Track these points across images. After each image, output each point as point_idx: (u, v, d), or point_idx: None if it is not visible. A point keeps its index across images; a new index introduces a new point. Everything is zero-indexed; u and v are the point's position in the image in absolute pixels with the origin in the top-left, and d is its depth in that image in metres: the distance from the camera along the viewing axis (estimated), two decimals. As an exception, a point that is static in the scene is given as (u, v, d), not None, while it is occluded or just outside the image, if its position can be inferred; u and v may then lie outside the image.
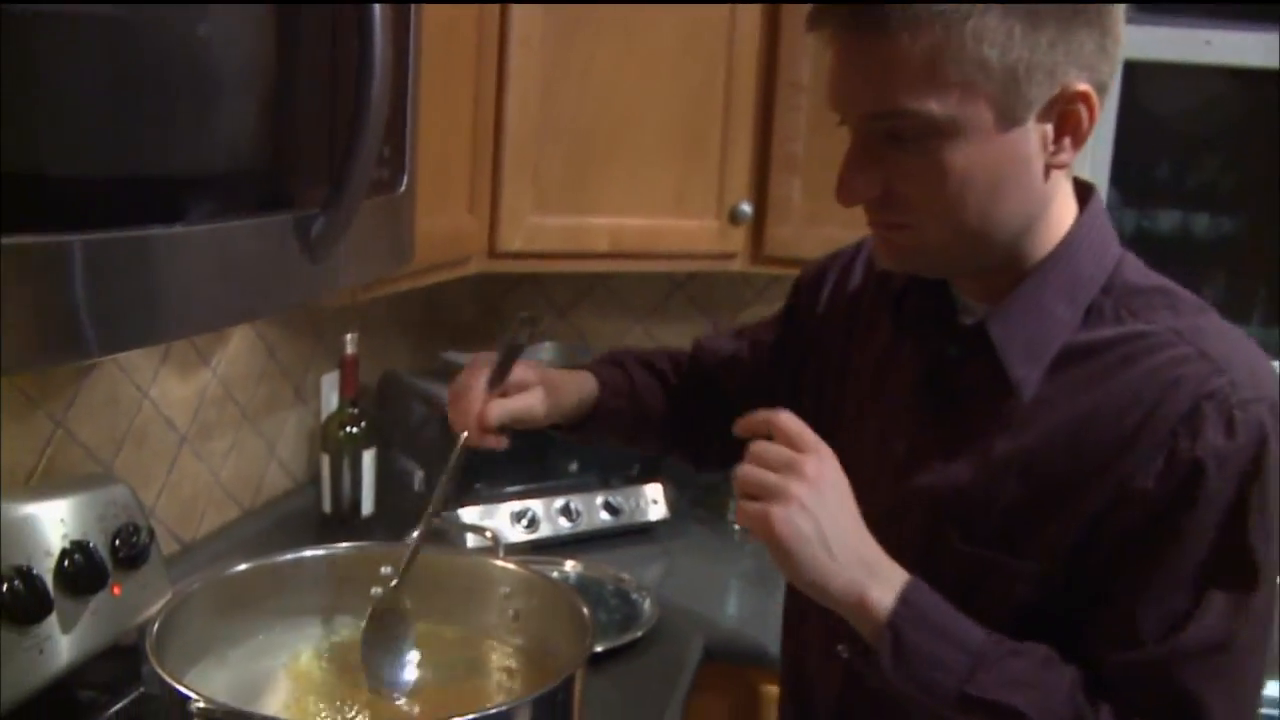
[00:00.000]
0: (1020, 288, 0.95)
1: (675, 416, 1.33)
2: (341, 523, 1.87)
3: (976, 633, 0.91)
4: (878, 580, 0.90)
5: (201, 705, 0.79)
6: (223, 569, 1.08)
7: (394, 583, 1.06)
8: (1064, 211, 0.97)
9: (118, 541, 1.25)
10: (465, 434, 1.07)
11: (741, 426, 0.94)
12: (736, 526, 2.22)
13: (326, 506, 1.87)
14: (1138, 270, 0.99)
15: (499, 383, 1.09)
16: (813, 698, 1.14)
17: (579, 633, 1.01)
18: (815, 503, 0.88)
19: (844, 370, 1.15)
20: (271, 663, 1.06)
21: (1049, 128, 0.89)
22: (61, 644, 1.16)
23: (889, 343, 1.09)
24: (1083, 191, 0.99)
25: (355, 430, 1.86)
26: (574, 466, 2.07)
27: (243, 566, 1.08)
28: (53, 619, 1.14)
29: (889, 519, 0.96)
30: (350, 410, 1.86)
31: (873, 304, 1.14)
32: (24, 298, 0.61)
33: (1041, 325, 0.95)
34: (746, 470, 0.90)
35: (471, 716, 0.84)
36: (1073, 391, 0.93)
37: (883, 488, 1.02)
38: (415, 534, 1.07)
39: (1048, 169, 0.91)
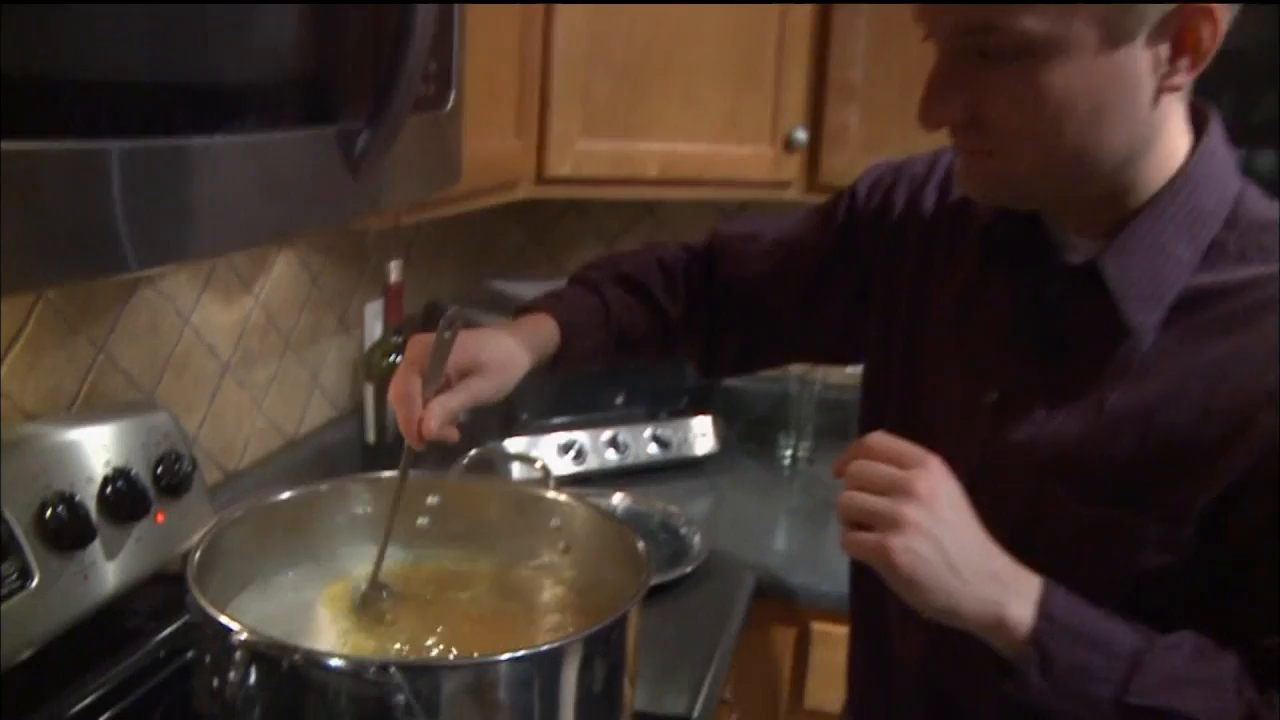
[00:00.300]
0: (1136, 223, 0.87)
1: (673, 329, 1.24)
2: (385, 453, 1.84)
3: (1124, 633, 0.83)
4: (1012, 594, 0.82)
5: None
6: (265, 497, 1.05)
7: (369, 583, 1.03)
8: (1177, 139, 0.88)
9: (160, 469, 1.23)
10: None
11: (836, 468, 0.86)
12: (785, 460, 2.19)
13: (370, 436, 1.85)
14: (1262, 202, 0.90)
15: (436, 380, 1.01)
16: (890, 657, 1.08)
17: (634, 568, 0.97)
18: (933, 524, 0.80)
19: (918, 304, 1.07)
20: (314, 593, 1.03)
21: (1163, 47, 0.80)
22: (106, 571, 1.14)
23: (973, 278, 1.01)
24: (1198, 116, 0.90)
25: (399, 359, 1.82)
26: (620, 399, 2.03)
27: (286, 494, 1.05)
28: (96, 546, 1.13)
29: (981, 476, 0.88)
30: (394, 339, 1.83)
31: (951, 232, 1.05)
32: (62, 207, 0.59)
33: (1161, 265, 0.86)
34: (851, 498, 0.82)
35: (523, 652, 0.81)
36: (1197, 339, 0.86)
37: (970, 441, 0.95)
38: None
39: (1159, 92, 0.82)
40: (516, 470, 1.81)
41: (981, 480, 0.87)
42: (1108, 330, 0.88)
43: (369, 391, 1.82)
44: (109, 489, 1.15)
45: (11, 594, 1.03)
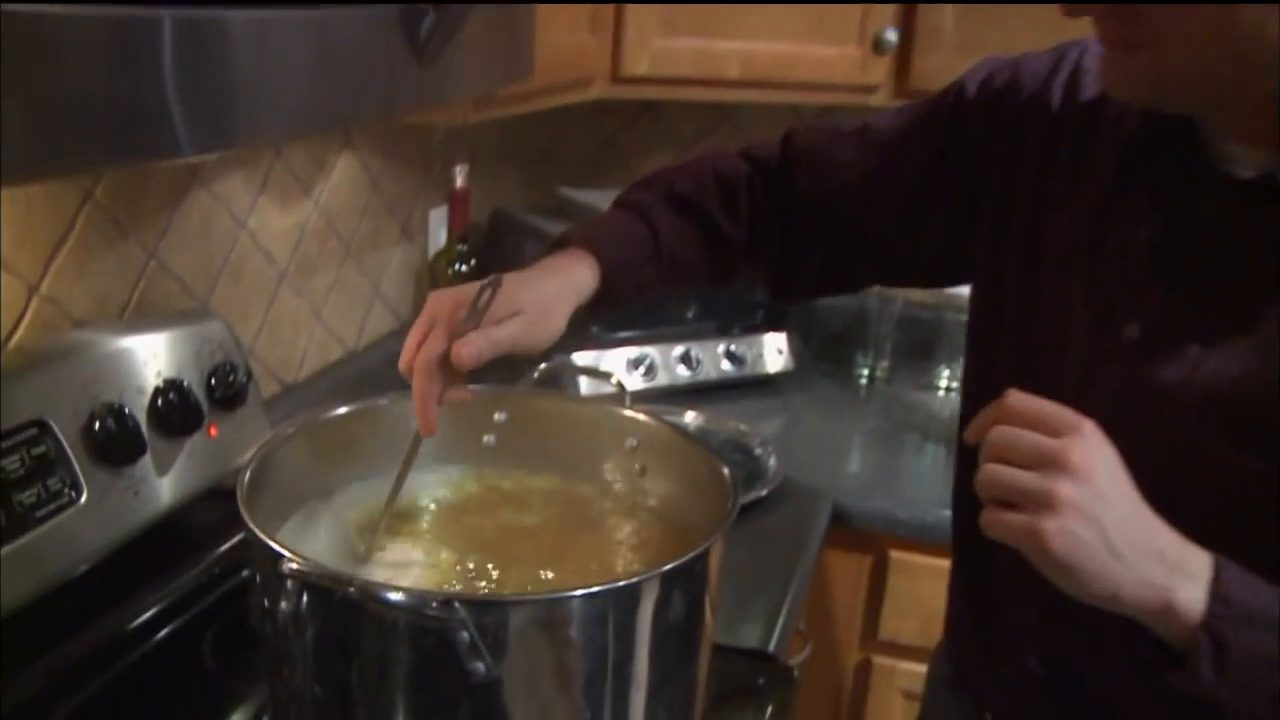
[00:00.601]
0: None
1: (733, 253, 1.10)
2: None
3: None
4: (1180, 575, 0.71)
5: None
6: (322, 412, 0.98)
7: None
8: None
9: (214, 380, 1.18)
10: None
11: (973, 432, 0.75)
12: (862, 380, 2.10)
13: (434, 348, 1.79)
14: None
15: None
16: (998, 609, 0.99)
17: (717, 495, 0.89)
18: (1092, 502, 0.69)
19: (1038, 222, 0.94)
20: (372, 515, 0.97)
21: None
22: (158, 486, 1.09)
23: (1108, 193, 0.88)
24: None
25: (464, 269, 1.75)
26: (692, 312, 1.94)
27: (343, 410, 0.98)
28: (147, 460, 1.07)
29: (1117, 424, 0.74)
30: (459, 248, 1.76)
31: (1080, 140, 0.92)
32: (113, 80, 0.54)
33: None
34: (995, 473, 0.71)
35: (598, 588, 0.74)
36: None
37: (1106, 380, 0.84)
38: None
39: None
40: (587, 385, 1.74)
41: (1117, 428, 0.74)
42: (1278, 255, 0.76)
43: None
44: (160, 401, 1.10)
45: (61, 509, 0.98)
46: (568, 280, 0.98)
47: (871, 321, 2.12)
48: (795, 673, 1.18)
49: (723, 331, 1.96)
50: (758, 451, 1.69)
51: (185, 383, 1.13)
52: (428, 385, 0.87)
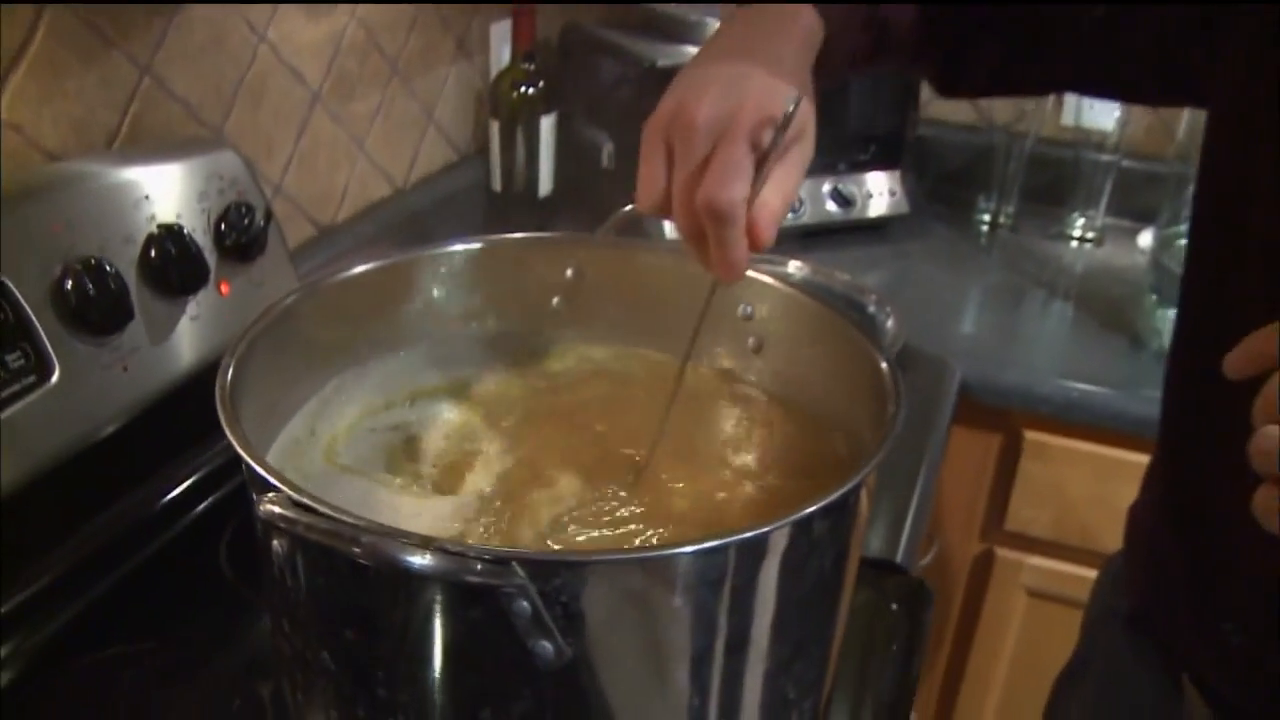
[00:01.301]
0: None
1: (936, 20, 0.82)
2: (515, 204, 1.55)
3: None
4: None
5: (278, 511, 0.48)
6: (341, 269, 0.76)
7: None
8: None
9: (224, 225, 0.96)
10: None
11: (1241, 362, 0.51)
12: (984, 226, 1.83)
13: (496, 184, 1.55)
14: None
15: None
16: (1228, 568, 0.75)
17: (867, 389, 0.66)
18: None
19: None
20: (410, 418, 0.76)
21: None
22: (154, 359, 0.89)
23: None
24: None
25: (531, 91, 1.50)
26: None
27: (362, 267, 0.75)
28: (136, 327, 0.87)
29: None
30: (525, 67, 1.50)
31: None
32: None
33: None
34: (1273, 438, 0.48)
35: (713, 543, 0.51)
36: None
37: None
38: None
39: None
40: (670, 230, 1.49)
41: None
42: None
43: (494, 130, 1.50)
44: (153, 252, 0.88)
45: (26, 391, 0.78)
46: (804, 37, 0.70)
47: (997, 160, 1.83)
48: (930, 590, 0.97)
49: (828, 168, 1.70)
50: (872, 310, 1.44)
51: (186, 229, 0.91)
52: (733, 233, 0.61)
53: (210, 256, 0.94)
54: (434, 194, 1.49)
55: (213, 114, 1.08)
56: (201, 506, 0.94)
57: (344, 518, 0.48)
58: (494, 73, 1.57)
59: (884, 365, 0.67)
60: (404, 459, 0.71)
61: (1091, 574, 1.44)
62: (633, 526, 0.66)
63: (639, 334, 0.85)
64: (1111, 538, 1.41)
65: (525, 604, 0.49)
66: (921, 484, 1.12)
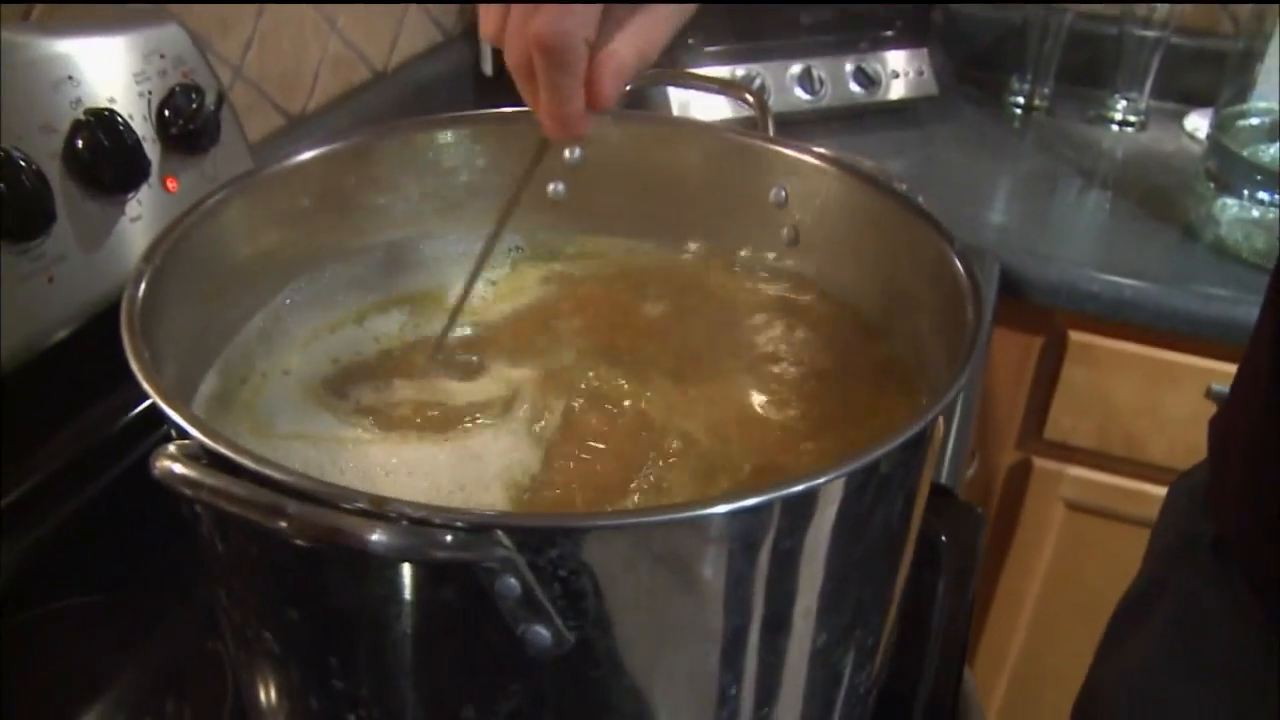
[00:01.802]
0: None
1: None
2: (508, 89, 1.40)
3: None
4: None
5: (192, 476, 0.36)
6: (286, 157, 0.63)
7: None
8: None
9: (167, 111, 0.83)
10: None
11: None
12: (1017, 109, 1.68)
13: (486, 67, 1.41)
14: None
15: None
16: None
17: (936, 293, 0.55)
18: None
19: None
20: (361, 340, 0.64)
21: None
22: (84, 269, 0.76)
23: None
24: None
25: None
26: (808, 19, 1.52)
27: (312, 152, 0.62)
28: (62, 231, 0.74)
29: None
30: None
31: None
32: None
33: None
34: None
35: (756, 498, 0.39)
36: None
37: None
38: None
39: None
40: (699, 107, 1.35)
41: None
42: None
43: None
44: (80, 143, 0.75)
45: (-71, 306, 0.67)
46: None
47: (1031, 37, 1.68)
48: (982, 515, 0.86)
49: (849, 46, 1.55)
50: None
51: (121, 115, 0.78)
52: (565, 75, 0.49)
53: (152, 148, 0.81)
54: (418, 79, 1.35)
55: (154, -17, 0.94)
56: (151, 439, 0.82)
57: (270, 473, 0.36)
58: None
59: (955, 257, 0.54)
60: (362, 387, 0.59)
61: (1137, 486, 1.34)
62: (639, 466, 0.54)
63: (655, 229, 0.73)
64: (1157, 448, 1.30)
65: (513, 581, 0.38)
66: (965, 392, 1.01)
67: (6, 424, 0.73)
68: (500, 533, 0.37)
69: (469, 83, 1.43)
